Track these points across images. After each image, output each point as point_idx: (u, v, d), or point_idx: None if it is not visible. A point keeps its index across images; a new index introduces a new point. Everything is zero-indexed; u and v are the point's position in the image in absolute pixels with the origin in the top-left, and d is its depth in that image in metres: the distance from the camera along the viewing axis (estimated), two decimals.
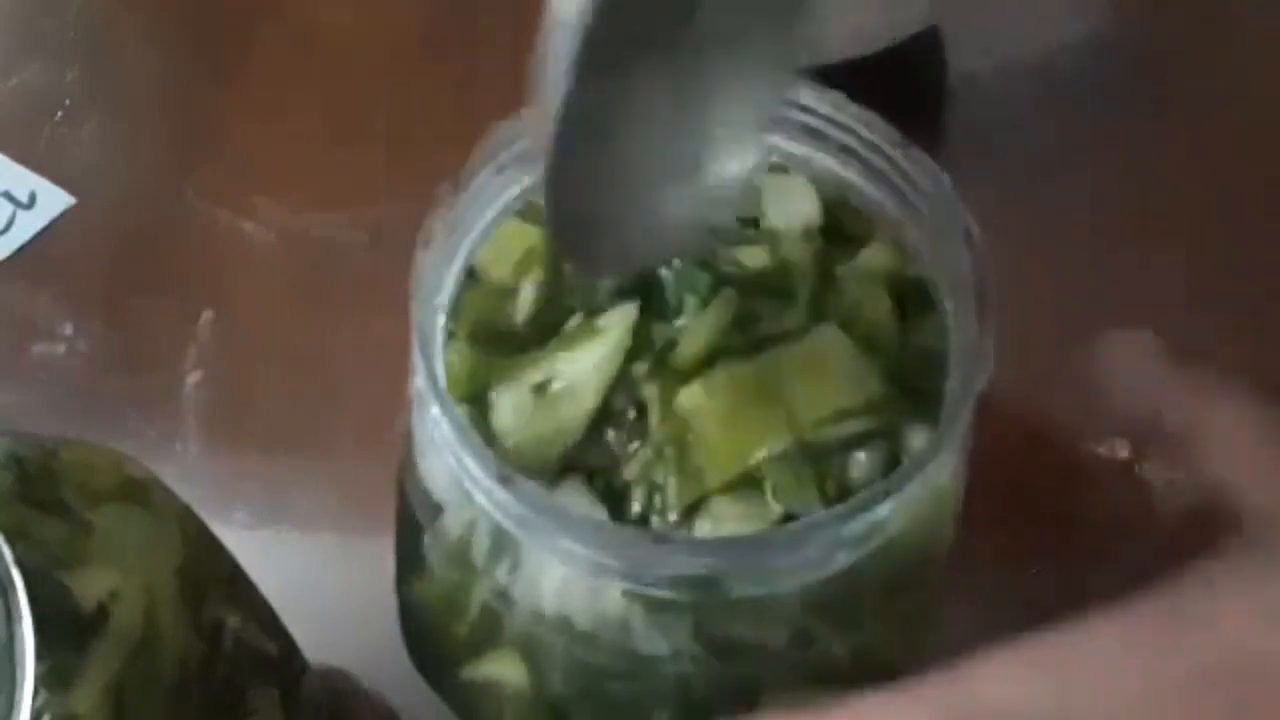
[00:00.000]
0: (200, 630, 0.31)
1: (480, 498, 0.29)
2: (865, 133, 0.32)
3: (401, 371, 0.50)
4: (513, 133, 0.32)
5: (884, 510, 0.28)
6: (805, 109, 0.33)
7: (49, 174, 0.55)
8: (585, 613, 0.30)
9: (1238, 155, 0.52)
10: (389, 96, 0.56)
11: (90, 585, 0.28)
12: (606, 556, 0.28)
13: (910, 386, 0.31)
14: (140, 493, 0.32)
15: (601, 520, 0.30)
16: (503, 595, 0.31)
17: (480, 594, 0.31)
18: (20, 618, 0.26)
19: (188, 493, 0.34)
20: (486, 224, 0.33)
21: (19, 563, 0.27)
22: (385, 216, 0.53)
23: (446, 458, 0.29)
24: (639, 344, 0.32)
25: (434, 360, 0.30)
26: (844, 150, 0.33)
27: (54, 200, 0.54)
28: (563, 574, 0.29)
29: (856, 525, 0.28)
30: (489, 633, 0.32)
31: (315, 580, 0.45)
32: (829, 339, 0.31)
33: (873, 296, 0.32)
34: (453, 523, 0.31)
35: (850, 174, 0.33)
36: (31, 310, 0.52)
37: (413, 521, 0.32)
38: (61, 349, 0.51)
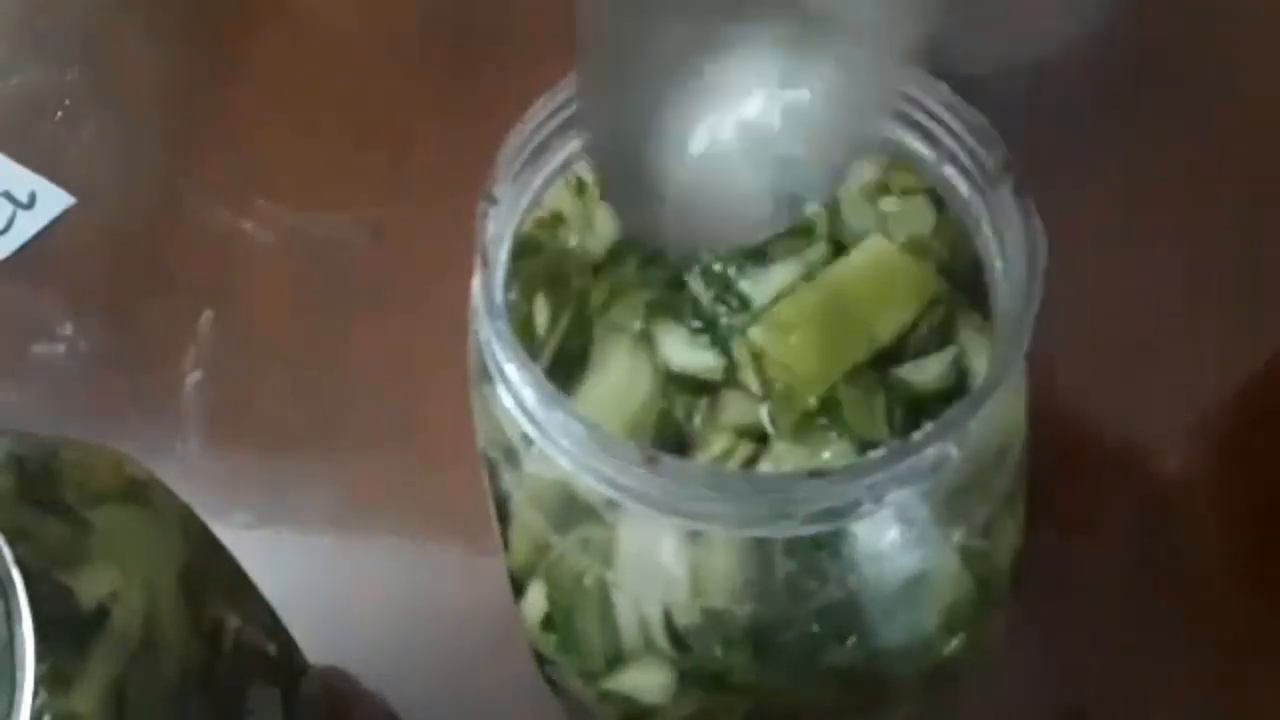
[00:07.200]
0: (200, 630, 0.31)
1: (611, 491, 0.29)
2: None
3: (400, 369, 0.50)
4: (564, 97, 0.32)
5: (983, 410, 0.28)
6: None
7: (49, 174, 0.55)
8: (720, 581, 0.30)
9: (1237, 155, 0.52)
10: (389, 96, 0.56)
11: (90, 585, 0.28)
12: (759, 506, 0.28)
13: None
14: (140, 493, 0.32)
15: (766, 472, 0.30)
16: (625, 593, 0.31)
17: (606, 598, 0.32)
18: (20, 618, 0.26)
19: (188, 493, 0.34)
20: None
21: (19, 563, 0.27)
22: (386, 216, 0.53)
23: (559, 467, 0.29)
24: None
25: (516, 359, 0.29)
26: None
27: (54, 200, 0.54)
28: (684, 547, 0.30)
29: (978, 419, 0.28)
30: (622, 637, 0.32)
31: (315, 580, 0.45)
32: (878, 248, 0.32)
33: (860, 208, 0.33)
34: (572, 535, 0.31)
35: None
36: (31, 310, 0.52)
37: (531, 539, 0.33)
38: (61, 349, 0.51)
